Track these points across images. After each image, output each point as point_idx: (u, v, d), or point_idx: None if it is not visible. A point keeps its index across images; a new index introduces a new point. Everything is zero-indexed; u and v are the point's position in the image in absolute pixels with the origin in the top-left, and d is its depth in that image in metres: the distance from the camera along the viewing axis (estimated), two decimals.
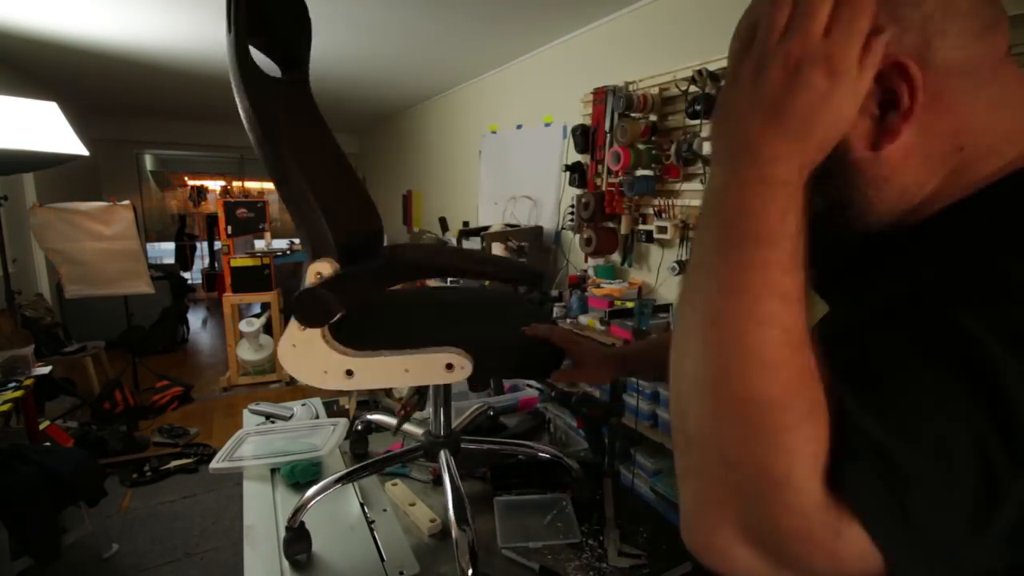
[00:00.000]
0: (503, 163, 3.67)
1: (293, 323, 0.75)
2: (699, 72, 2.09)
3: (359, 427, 1.31)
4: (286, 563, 0.91)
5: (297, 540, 0.93)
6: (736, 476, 0.32)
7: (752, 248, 0.34)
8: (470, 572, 0.79)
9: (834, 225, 0.42)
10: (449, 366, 0.80)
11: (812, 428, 0.31)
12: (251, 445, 1.30)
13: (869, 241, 0.41)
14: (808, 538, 0.31)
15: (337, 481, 0.98)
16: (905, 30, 0.35)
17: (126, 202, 3.70)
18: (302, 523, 0.93)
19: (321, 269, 0.75)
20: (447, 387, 1.02)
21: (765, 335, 0.32)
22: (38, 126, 2.40)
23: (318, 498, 0.94)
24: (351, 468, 1.02)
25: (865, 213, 0.40)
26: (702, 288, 0.36)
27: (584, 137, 2.68)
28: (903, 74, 0.35)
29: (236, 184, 6.92)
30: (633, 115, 2.42)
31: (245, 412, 1.51)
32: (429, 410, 1.06)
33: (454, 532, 0.84)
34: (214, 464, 1.20)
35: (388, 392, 3.61)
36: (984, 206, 0.37)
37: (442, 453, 1.00)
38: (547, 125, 3.14)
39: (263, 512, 1.06)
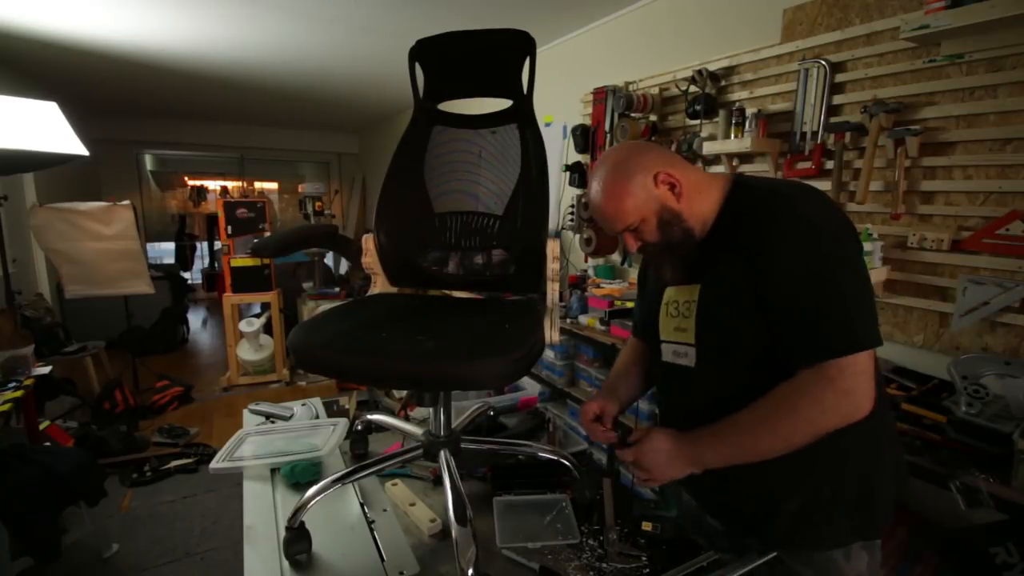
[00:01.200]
0: None
1: None
2: (699, 72, 2.09)
3: (359, 427, 1.30)
4: (286, 563, 0.91)
5: (297, 540, 0.93)
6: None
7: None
8: (470, 572, 0.79)
9: (682, 245, 0.91)
10: None
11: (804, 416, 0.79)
12: (251, 445, 1.29)
13: (697, 251, 0.91)
14: (832, 403, 0.77)
15: (337, 481, 0.98)
16: (668, 175, 0.88)
17: (126, 202, 3.70)
18: (302, 523, 0.93)
19: None
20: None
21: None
22: (38, 126, 2.40)
23: (318, 498, 0.94)
24: (351, 468, 1.02)
25: (690, 232, 0.90)
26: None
27: (584, 137, 2.68)
28: (673, 177, 0.88)
29: (235, 184, 6.91)
30: (633, 115, 2.42)
31: (245, 412, 1.50)
32: (429, 410, 1.06)
33: (454, 532, 0.84)
34: (214, 464, 1.20)
35: (388, 392, 3.61)
36: (726, 215, 0.90)
37: (442, 453, 1.00)
38: (547, 125, 3.14)
39: (263, 512, 1.06)
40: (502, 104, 1.13)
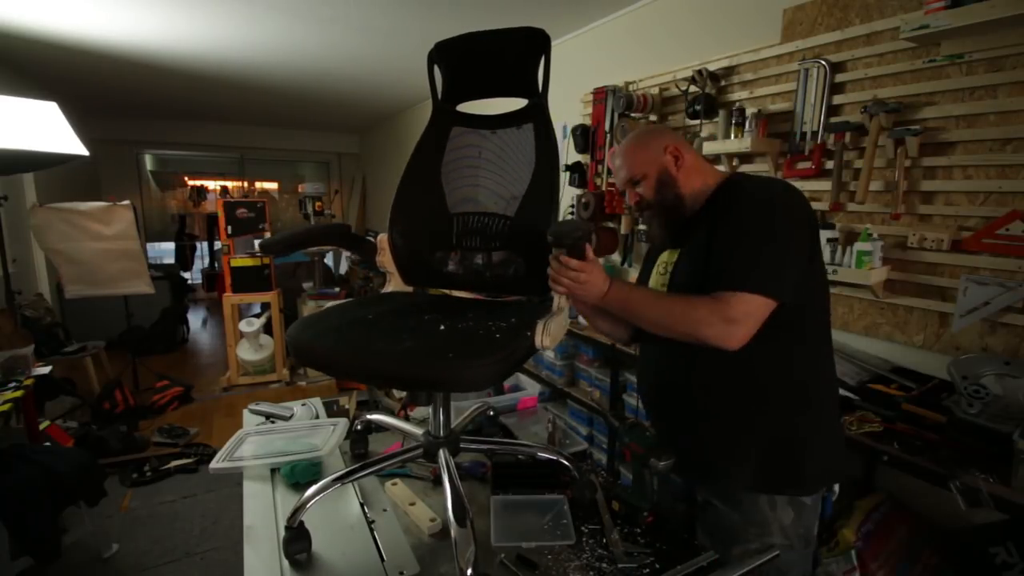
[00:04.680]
0: None
1: None
2: (699, 72, 2.09)
3: (359, 427, 1.30)
4: (286, 563, 0.91)
5: (297, 540, 0.93)
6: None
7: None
8: (469, 572, 0.79)
9: (671, 210, 1.09)
10: None
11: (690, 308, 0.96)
12: (251, 445, 1.29)
13: (684, 222, 1.09)
14: (721, 322, 0.92)
15: (337, 480, 0.98)
16: (676, 149, 1.09)
17: (126, 202, 3.70)
18: (302, 523, 0.93)
19: None
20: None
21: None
22: (38, 126, 2.40)
23: (318, 498, 0.94)
24: (351, 468, 1.02)
25: (680, 199, 1.08)
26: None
27: (584, 137, 2.68)
28: (679, 152, 1.09)
29: (235, 184, 6.91)
30: (633, 115, 2.42)
31: (245, 412, 1.50)
32: (429, 410, 1.06)
33: (454, 532, 0.84)
34: (214, 464, 1.20)
35: (388, 392, 3.61)
36: (713, 198, 1.07)
37: (442, 453, 1.00)
38: None
39: (263, 512, 1.06)
40: (518, 103, 1.13)
